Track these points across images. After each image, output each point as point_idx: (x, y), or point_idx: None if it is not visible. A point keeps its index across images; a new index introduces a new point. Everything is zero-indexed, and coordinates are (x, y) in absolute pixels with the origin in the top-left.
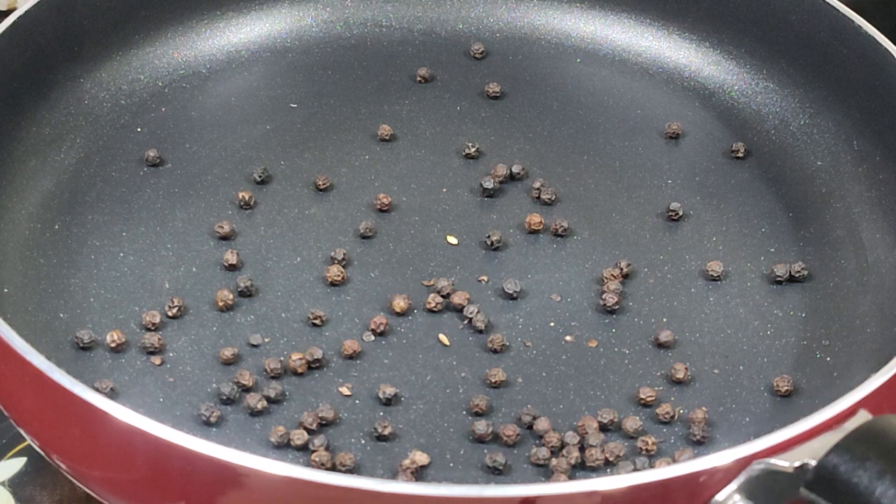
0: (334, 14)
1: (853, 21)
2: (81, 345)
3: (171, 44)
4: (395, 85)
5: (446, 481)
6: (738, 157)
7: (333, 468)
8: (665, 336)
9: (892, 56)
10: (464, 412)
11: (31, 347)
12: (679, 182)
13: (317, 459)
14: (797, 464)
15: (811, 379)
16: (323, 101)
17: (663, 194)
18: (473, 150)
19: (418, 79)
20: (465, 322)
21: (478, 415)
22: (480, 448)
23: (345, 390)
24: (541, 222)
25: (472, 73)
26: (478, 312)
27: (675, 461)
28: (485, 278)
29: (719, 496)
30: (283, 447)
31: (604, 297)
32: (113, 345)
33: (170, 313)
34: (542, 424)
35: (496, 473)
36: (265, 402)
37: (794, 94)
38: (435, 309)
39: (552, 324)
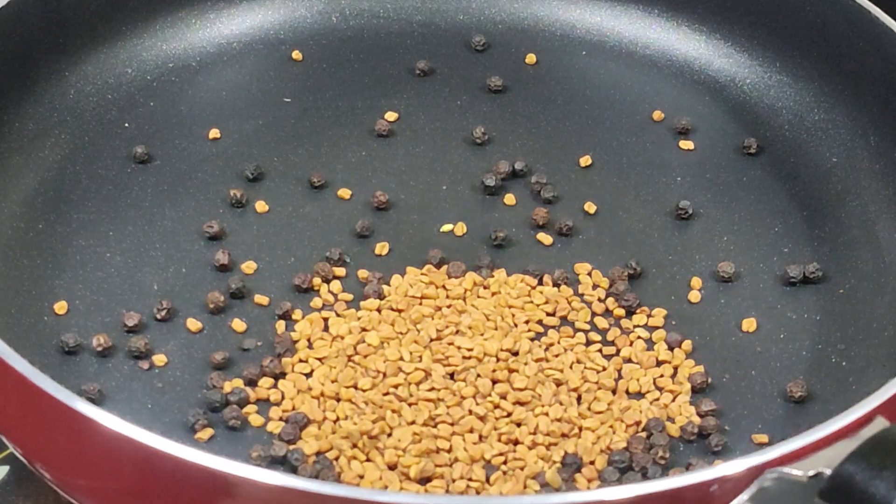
0: (330, 4)
1: (870, 12)
2: (67, 349)
3: (160, 36)
4: (393, 78)
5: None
6: (750, 154)
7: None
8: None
9: None
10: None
11: (13, 351)
12: (689, 179)
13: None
14: (812, 472)
15: (826, 384)
16: (318, 95)
17: (672, 192)
18: (482, 135)
19: (417, 72)
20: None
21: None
22: None
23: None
24: (546, 214)
25: (473, 66)
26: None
27: (685, 469)
28: None
29: None
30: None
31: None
32: (99, 349)
33: (158, 316)
34: None
35: None
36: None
37: (809, 88)
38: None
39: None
